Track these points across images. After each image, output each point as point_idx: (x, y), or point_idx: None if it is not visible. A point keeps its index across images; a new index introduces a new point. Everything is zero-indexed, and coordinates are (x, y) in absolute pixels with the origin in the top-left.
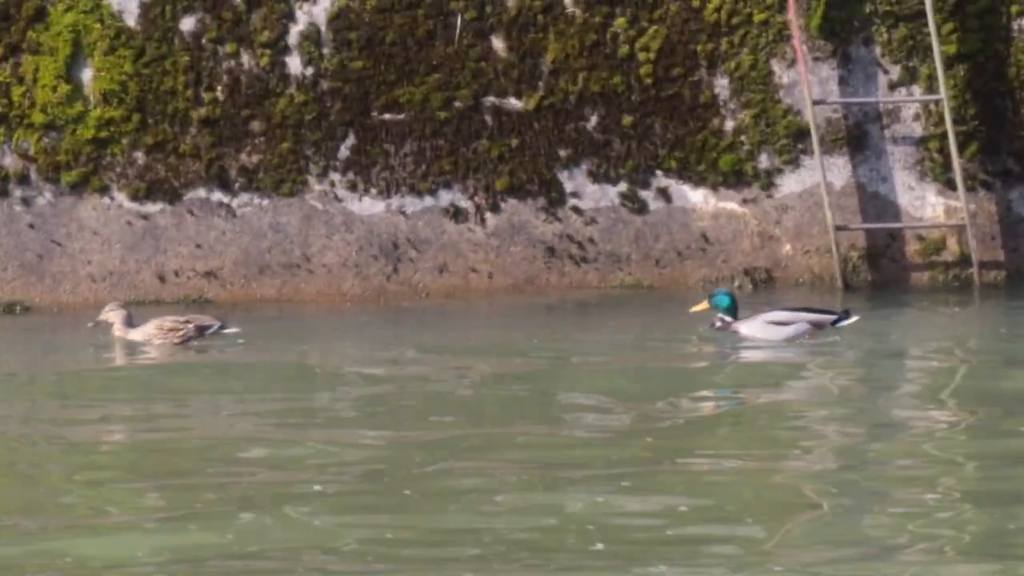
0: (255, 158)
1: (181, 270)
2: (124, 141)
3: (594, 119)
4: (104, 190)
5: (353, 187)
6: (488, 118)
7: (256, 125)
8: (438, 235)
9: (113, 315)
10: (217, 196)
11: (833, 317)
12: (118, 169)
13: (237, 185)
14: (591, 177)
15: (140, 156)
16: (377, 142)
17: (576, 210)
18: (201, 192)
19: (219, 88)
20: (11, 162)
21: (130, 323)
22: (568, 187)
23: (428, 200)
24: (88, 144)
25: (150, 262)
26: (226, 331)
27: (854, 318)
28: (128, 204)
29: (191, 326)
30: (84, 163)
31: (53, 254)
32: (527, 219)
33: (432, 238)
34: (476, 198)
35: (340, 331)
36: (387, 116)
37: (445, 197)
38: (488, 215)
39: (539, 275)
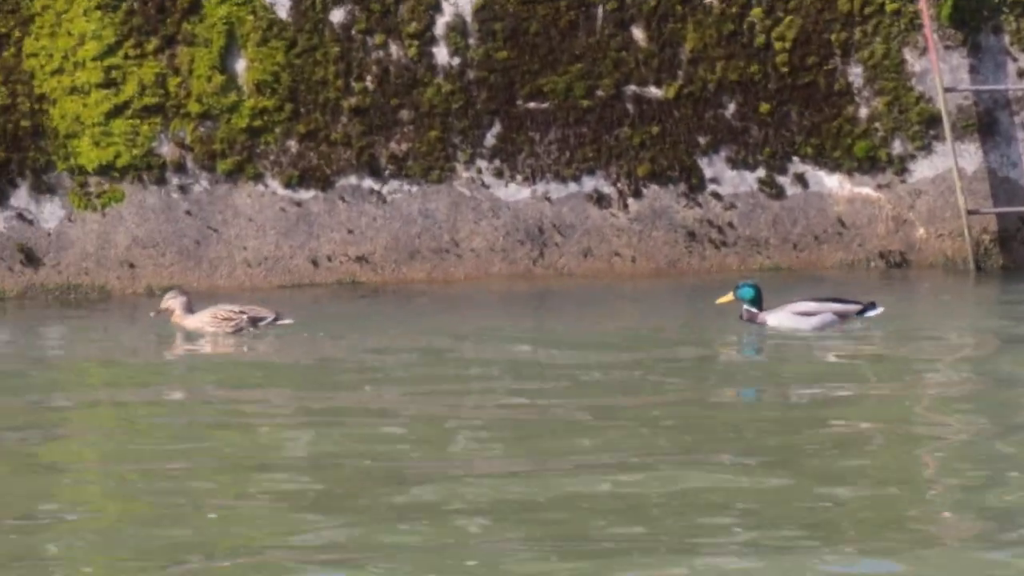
0: (404, 146)
1: (333, 255)
2: (277, 130)
3: (732, 107)
4: (258, 177)
5: (499, 174)
6: (630, 106)
7: (405, 114)
8: (582, 220)
9: (174, 302)
10: (368, 183)
11: (859, 307)
12: (271, 157)
13: (387, 172)
14: (730, 163)
15: (293, 144)
16: (522, 130)
17: (716, 195)
18: (352, 179)
19: (369, 78)
20: (168, 151)
21: (189, 310)
22: (708, 173)
23: (572, 186)
24: (242, 133)
25: (303, 247)
26: (280, 322)
27: (879, 309)
28: (282, 191)
29: (244, 316)
30: (239, 151)
31: (209, 240)
32: (668, 204)
33: (576, 223)
34: (619, 184)
35: (489, 311)
36: (532, 105)
37: (588, 183)
38: (630, 200)
39: (680, 259)
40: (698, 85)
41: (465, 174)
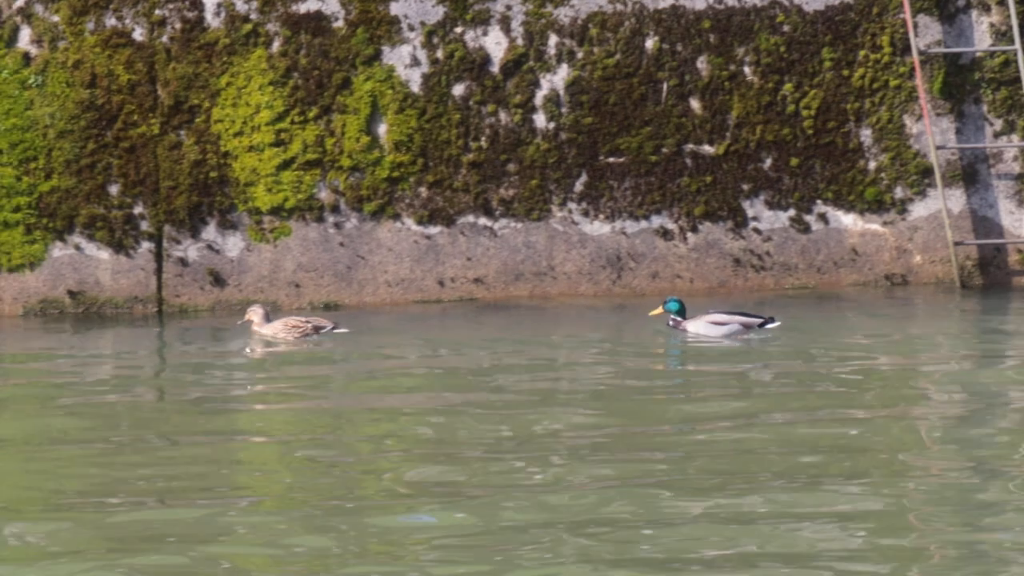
0: (511, 192)
1: (456, 277)
2: (411, 179)
3: (769, 161)
4: (396, 217)
5: (586, 213)
6: (688, 161)
7: (511, 167)
8: (651, 249)
9: (254, 314)
10: (483, 221)
11: (760, 320)
12: (407, 201)
13: (498, 212)
14: (767, 205)
15: (424, 191)
16: (604, 179)
17: (756, 230)
18: (470, 218)
19: (483, 138)
20: (326, 196)
21: (267, 320)
22: (750, 212)
23: (643, 223)
24: (384, 182)
25: (432, 271)
26: (338, 331)
27: (777, 323)
28: (415, 227)
29: (309, 325)
30: (381, 196)
31: (358, 266)
32: (719, 237)
33: (646, 252)
34: (679, 221)
35: (579, 320)
36: (611, 159)
37: (656, 221)
38: (689, 234)
39: (728, 280)
40: (742, 144)
41: (559, 213)
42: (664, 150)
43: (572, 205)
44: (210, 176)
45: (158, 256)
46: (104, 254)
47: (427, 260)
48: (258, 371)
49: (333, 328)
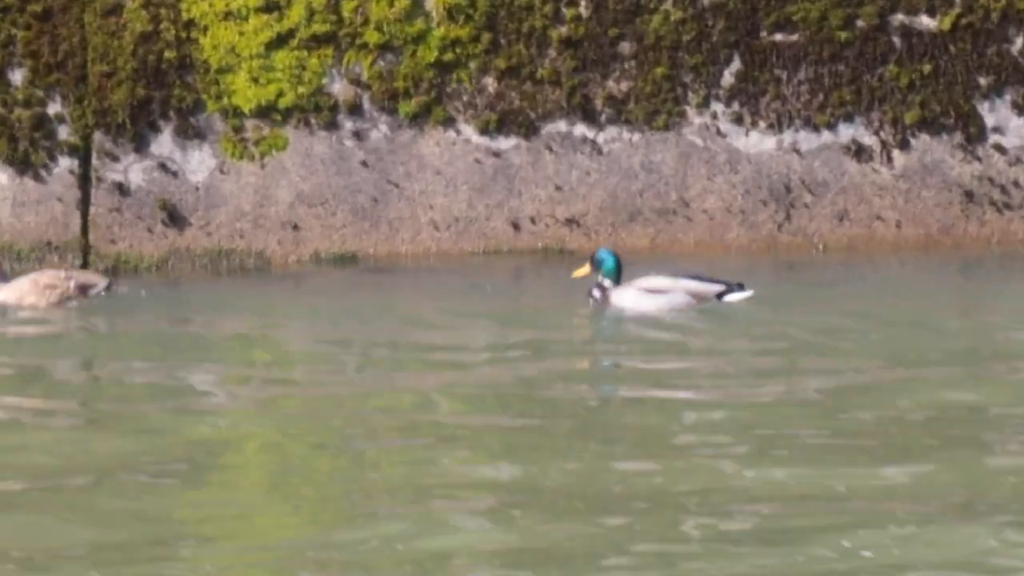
0: (624, 85)
1: (538, 216)
2: (472, 65)
3: (1019, 41)
4: (449, 122)
5: (738, 120)
6: (896, 40)
7: (625, 47)
8: (837, 177)
9: None
10: (580, 130)
11: (719, 289)
12: (465, 98)
13: (603, 117)
14: (1015, 109)
15: (490, 82)
16: (766, 67)
17: (998, 148)
18: (561, 125)
19: (583, 3)
20: (341, 89)
21: (3, 279)
22: (989, 121)
23: (826, 135)
24: (430, 68)
25: (502, 207)
26: (115, 291)
27: (747, 292)
28: (476, 139)
29: (71, 284)
30: (425, 90)
31: (389, 197)
32: (941, 158)
33: (830, 180)
34: (881, 133)
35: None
36: (778, 37)
37: (845, 132)
38: (896, 153)
39: (955, 224)
40: (979, 15)
41: (697, 120)
42: (859, 23)
43: (718, 107)
44: (164, 58)
45: (83, 180)
46: (0, 176)
47: (495, 189)
48: None
49: (108, 287)
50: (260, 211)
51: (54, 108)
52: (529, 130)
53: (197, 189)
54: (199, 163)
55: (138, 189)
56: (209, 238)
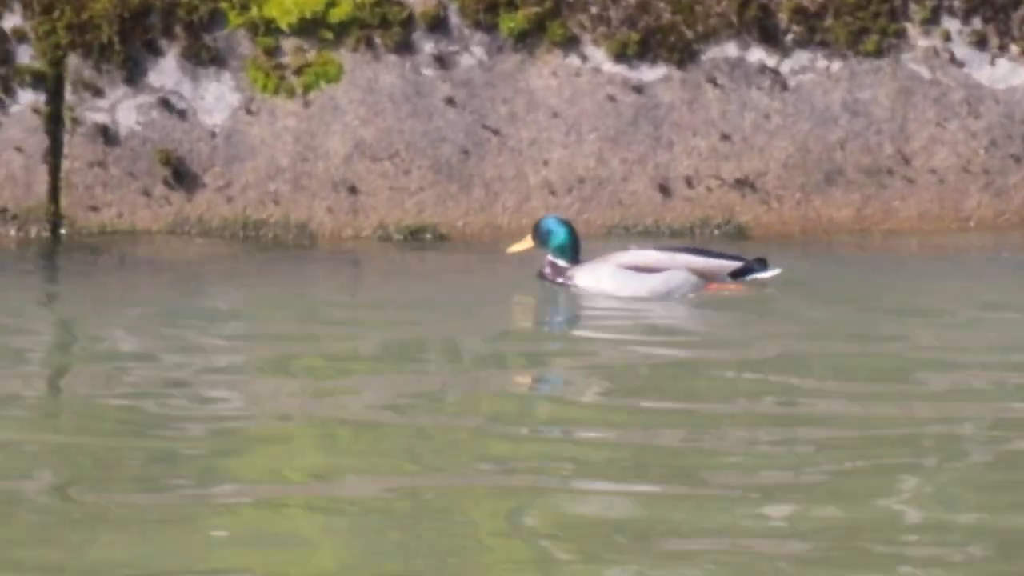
0: None
1: (696, 176)
2: None
3: None
4: (570, 43)
5: (981, 42)
6: None
7: None
8: None
9: None
10: (756, 55)
11: (737, 265)
12: (594, 9)
13: (789, 37)
14: None
15: None
16: None
17: None
18: (730, 48)
19: None
20: None
21: None
22: None
23: None
24: None
25: (644, 163)
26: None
27: (772, 271)
28: (610, 67)
29: None
30: (536, 1)
31: (485, 148)
32: None
33: None
34: None
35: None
36: None
37: None
38: None
39: None
40: None
41: (922, 42)
42: None
43: (951, 24)
44: None
45: (53, 122)
46: None
47: (636, 139)
48: None
49: None
50: (303, 167)
51: (11, 21)
52: (684, 55)
53: (214, 136)
54: (217, 100)
55: (130, 135)
56: (230, 204)
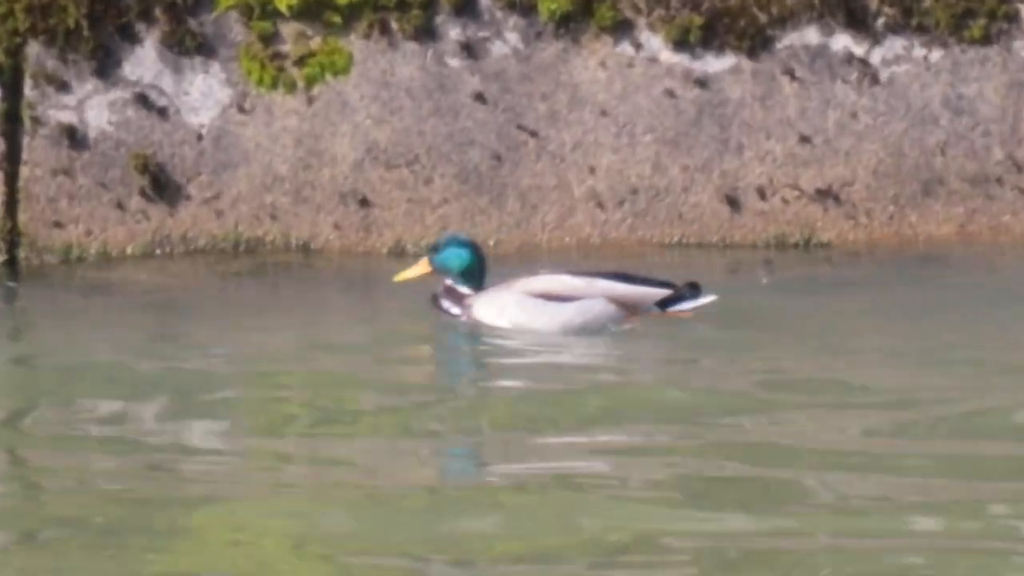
0: None
1: (771, 185)
2: None
3: None
4: (622, 29)
5: None
6: None
7: None
8: None
9: None
10: (842, 42)
11: (664, 293)
12: None
13: (880, 22)
14: None
15: None
16: None
17: None
18: (811, 35)
19: None
20: None
21: None
22: None
23: None
24: None
25: (709, 170)
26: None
27: (706, 299)
28: (668, 57)
29: None
30: None
31: (521, 152)
32: None
33: None
34: None
35: None
36: None
37: None
38: None
39: None
40: None
41: None
42: None
43: None
44: None
45: (9, 121)
46: None
47: (697, 142)
48: None
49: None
50: (305, 176)
51: None
52: (756, 43)
53: (200, 139)
54: (204, 95)
55: (101, 138)
56: (219, 220)
